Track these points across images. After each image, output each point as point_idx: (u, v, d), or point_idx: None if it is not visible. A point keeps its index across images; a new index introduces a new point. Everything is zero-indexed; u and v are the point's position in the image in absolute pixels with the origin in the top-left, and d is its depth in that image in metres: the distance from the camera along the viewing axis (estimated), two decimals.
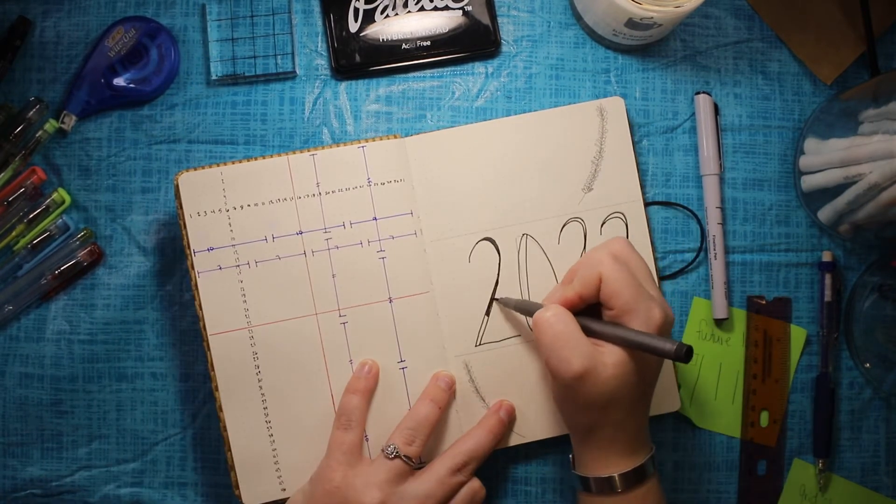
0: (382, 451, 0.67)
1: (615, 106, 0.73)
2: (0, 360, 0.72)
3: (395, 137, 0.72)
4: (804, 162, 0.74)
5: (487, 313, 0.72)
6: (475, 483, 0.68)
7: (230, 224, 0.69)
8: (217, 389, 0.68)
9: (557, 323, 0.62)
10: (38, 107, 0.72)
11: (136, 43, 0.73)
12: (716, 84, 0.76)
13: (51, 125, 0.72)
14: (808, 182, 0.74)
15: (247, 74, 0.74)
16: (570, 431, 0.66)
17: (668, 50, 0.76)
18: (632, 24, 0.70)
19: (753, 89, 0.77)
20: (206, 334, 0.68)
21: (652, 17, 0.68)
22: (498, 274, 0.72)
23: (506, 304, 0.71)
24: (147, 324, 0.73)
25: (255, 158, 0.70)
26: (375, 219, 0.70)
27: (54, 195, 0.72)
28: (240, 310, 0.69)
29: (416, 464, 0.67)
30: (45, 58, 0.73)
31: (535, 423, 0.71)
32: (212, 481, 0.73)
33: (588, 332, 0.62)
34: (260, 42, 0.74)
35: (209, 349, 0.68)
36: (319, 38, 0.75)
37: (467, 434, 0.69)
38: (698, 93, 0.75)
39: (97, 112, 0.73)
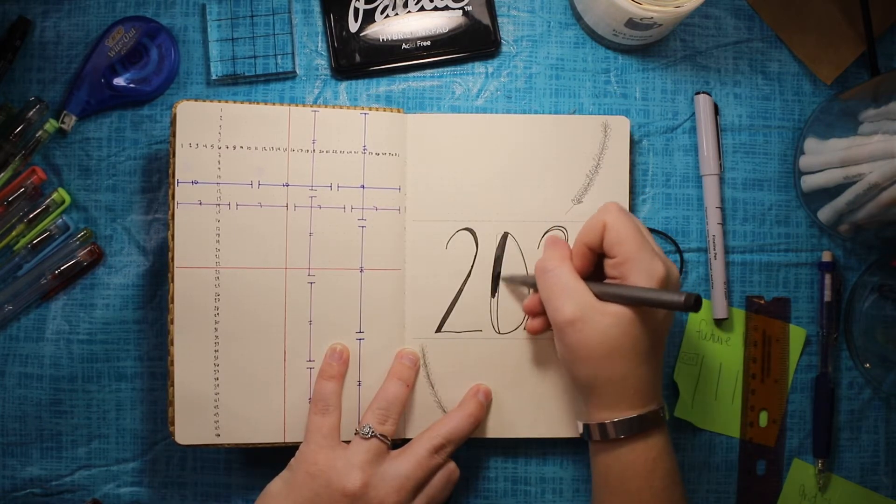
0: (357, 432, 0.67)
1: (620, 125, 0.73)
2: (0, 360, 0.72)
3: (399, 112, 0.72)
4: (804, 162, 0.74)
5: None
6: (451, 464, 0.69)
7: (219, 162, 0.69)
8: (172, 323, 0.68)
9: (554, 270, 0.64)
10: (38, 107, 0.72)
11: (136, 43, 0.73)
12: (716, 84, 0.76)
13: (51, 125, 0.72)
14: (808, 182, 0.74)
15: (247, 74, 0.74)
16: (575, 388, 0.65)
17: (668, 50, 0.76)
18: (632, 24, 0.70)
19: (753, 89, 0.77)
20: (173, 266, 0.68)
21: (652, 17, 0.68)
22: (472, 266, 0.72)
23: (511, 280, 0.72)
24: (147, 324, 0.73)
25: (258, 103, 0.70)
26: (363, 187, 0.71)
27: (54, 195, 0.72)
28: (211, 248, 0.69)
29: (390, 442, 0.68)
30: (45, 58, 0.73)
31: (486, 421, 0.72)
32: (211, 481, 0.73)
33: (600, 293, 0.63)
34: (260, 42, 0.74)
35: (172, 281, 0.68)
36: (319, 38, 0.75)
37: (446, 416, 0.70)
38: (698, 93, 0.75)
39: (97, 112, 0.73)
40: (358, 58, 0.74)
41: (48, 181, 0.73)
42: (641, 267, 0.61)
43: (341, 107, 0.71)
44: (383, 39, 0.74)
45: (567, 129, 0.73)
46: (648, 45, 0.76)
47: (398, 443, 0.69)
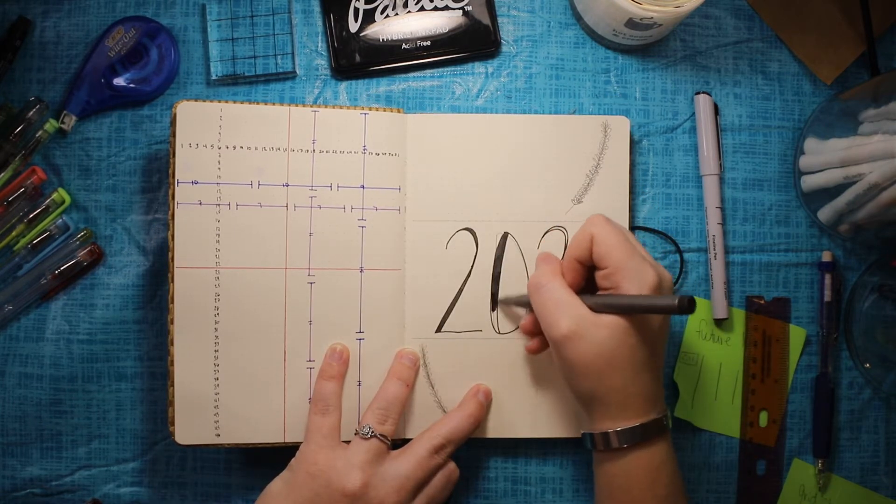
0: (357, 432, 0.67)
1: (620, 125, 0.73)
2: (0, 360, 0.72)
3: (399, 112, 0.72)
4: (804, 162, 0.74)
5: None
6: (451, 464, 0.69)
7: (219, 162, 0.69)
8: (172, 323, 0.68)
9: (547, 285, 0.64)
10: (38, 107, 0.72)
11: (136, 43, 0.73)
12: (716, 84, 0.76)
13: (51, 125, 0.72)
14: (808, 182, 0.74)
15: (247, 74, 0.74)
16: (576, 401, 0.65)
17: (668, 50, 0.76)
18: (632, 24, 0.70)
19: (753, 89, 0.77)
20: (173, 266, 0.68)
21: (652, 17, 0.68)
22: (472, 266, 0.72)
23: (506, 302, 0.72)
24: (147, 323, 0.73)
25: (258, 103, 0.70)
26: (363, 187, 0.71)
27: (54, 195, 0.72)
28: (211, 249, 0.69)
29: (390, 442, 0.68)
30: (45, 58, 0.73)
31: (486, 421, 0.72)
32: (211, 481, 0.73)
33: (596, 305, 0.62)
34: (260, 42, 0.74)
35: (172, 281, 0.68)
36: (319, 38, 0.75)
37: (446, 416, 0.70)
38: (698, 93, 0.75)
39: (97, 112, 0.73)
40: (358, 58, 0.74)
41: (48, 181, 0.73)
42: (632, 275, 0.61)
43: (341, 107, 0.71)
44: (383, 39, 0.74)
45: (567, 129, 0.73)
46: (648, 45, 0.76)
47: (398, 443, 0.69)
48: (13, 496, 0.72)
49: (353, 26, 0.74)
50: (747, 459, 0.75)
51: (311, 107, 0.70)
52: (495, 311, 0.72)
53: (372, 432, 0.67)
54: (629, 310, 0.61)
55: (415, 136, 0.72)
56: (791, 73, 0.77)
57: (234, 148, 0.69)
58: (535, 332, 0.68)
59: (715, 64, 0.76)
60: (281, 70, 0.74)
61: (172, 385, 0.68)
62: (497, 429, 0.72)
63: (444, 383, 0.72)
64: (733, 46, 0.77)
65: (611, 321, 0.61)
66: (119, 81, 0.73)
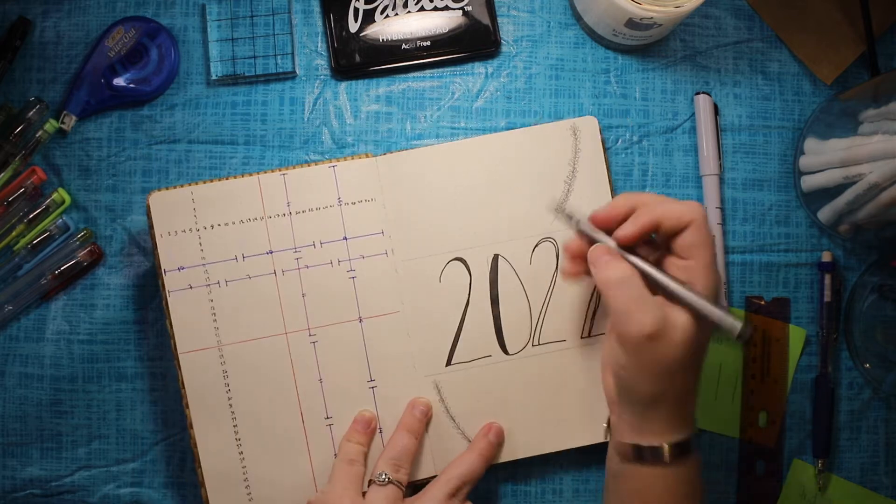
0: (373, 480, 0.67)
1: (588, 125, 0.72)
2: (0, 360, 0.72)
3: (367, 157, 0.71)
4: (804, 162, 0.74)
5: (459, 331, 0.71)
6: None
7: (201, 243, 0.69)
8: (188, 407, 0.68)
9: (627, 281, 0.60)
10: (38, 107, 0.72)
11: (136, 43, 0.73)
12: (716, 84, 0.76)
13: (51, 125, 0.72)
14: (808, 182, 0.74)
15: (247, 74, 0.74)
16: (628, 405, 0.62)
17: (668, 50, 0.76)
18: (632, 24, 0.70)
19: (753, 89, 0.77)
20: (177, 353, 0.68)
21: (652, 17, 0.68)
22: (469, 294, 0.71)
23: (561, 211, 0.66)
24: (147, 324, 0.73)
25: (226, 178, 0.70)
26: (346, 238, 0.70)
27: (54, 195, 0.72)
28: (210, 329, 0.69)
29: (405, 489, 0.68)
30: (45, 58, 0.73)
31: (510, 442, 0.71)
32: None
33: (656, 284, 0.60)
34: (260, 42, 0.74)
35: (180, 368, 0.68)
36: (319, 38, 0.75)
37: (459, 458, 0.69)
38: (698, 93, 0.75)
39: (97, 112, 0.73)
40: (358, 58, 0.74)
41: (48, 181, 0.73)
42: (710, 277, 0.60)
43: (307, 165, 0.71)
44: (383, 39, 0.74)
45: (536, 139, 0.72)
46: (648, 45, 0.76)
47: (419, 483, 0.69)
48: (13, 496, 0.72)
49: (353, 26, 0.74)
50: (747, 459, 0.75)
51: (279, 171, 0.70)
52: (500, 314, 0.72)
53: (388, 478, 0.66)
54: (698, 310, 0.59)
55: (387, 177, 0.71)
56: (791, 73, 0.77)
57: (212, 227, 0.69)
58: (580, 256, 0.64)
59: (715, 64, 0.76)
60: (281, 70, 0.74)
61: (199, 466, 0.68)
62: (521, 450, 0.71)
63: (464, 413, 0.71)
64: (733, 46, 0.77)
65: (685, 322, 0.59)
66: (119, 81, 0.73)
